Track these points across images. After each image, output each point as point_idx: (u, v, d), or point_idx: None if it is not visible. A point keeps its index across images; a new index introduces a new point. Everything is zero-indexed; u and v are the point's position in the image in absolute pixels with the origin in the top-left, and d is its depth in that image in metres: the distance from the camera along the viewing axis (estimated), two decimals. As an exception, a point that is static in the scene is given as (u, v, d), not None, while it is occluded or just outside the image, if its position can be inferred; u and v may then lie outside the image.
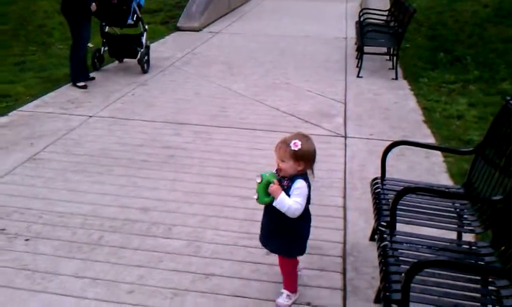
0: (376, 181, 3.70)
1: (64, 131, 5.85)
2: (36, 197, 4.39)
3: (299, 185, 2.91)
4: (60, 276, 3.39)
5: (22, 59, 9.25)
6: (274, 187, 2.92)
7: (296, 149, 2.89)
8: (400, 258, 2.82)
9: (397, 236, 3.03)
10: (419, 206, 3.42)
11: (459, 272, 2.64)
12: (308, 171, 3.00)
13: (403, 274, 2.48)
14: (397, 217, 3.12)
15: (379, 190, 3.57)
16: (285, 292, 3.18)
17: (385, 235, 3.00)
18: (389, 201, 3.41)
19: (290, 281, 3.21)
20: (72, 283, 3.33)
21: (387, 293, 2.52)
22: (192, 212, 4.23)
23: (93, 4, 7.21)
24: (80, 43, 7.42)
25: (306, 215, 3.04)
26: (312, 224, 3.97)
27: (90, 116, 6.36)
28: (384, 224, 3.17)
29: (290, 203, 2.89)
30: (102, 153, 5.30)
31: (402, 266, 2.74)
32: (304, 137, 2.98)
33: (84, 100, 6.96)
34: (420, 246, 2.96)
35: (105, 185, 4.63)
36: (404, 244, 2.96)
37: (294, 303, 3.19)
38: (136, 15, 8.15)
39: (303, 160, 2.92)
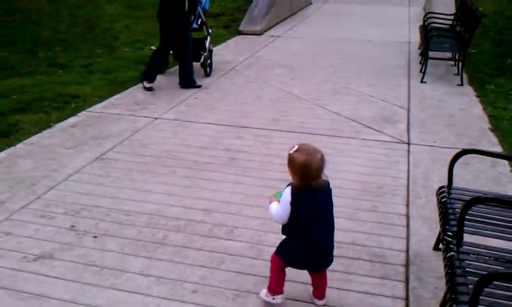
0: (442, 189, 3.63)
1: (130, 132, 6.03)
2: (104, 196, 4.54)
3: (284, 191, 2.98)
4: (127, 273, 3.50)
5: (90, 62, 9.57)
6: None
7: (289, 152, 2.96)
8: (467, 269, 2.76)
9: (463, 246, 2.96)
10: (487, 216, 3.33)
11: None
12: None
13: (472, 286, 2.43)
14: (464, 228, 3.05)
15: (446, 199, 3.50)
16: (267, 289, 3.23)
17: (452, 245, 2.95)
18: (455, 210, 3.35)
19: (270, 280, 3.21)
20: (137, 280, 3.44)
21: (454, 305, 2.48)
22: (253, 214, 4.27)
23: (192, 16, 7.55)
24: (165, 48, 7.74)
25: (293, 227, 3.03)
26: (374, 232, 4.00)
27: (155, 118, 6.52)
28: (451, 234, 3.11)
29: (271, 206, 3.08)
30: (167, 154, 5.43)
31: (469, 277, 2.68)
32: (305, 148, 2.96)
33: (149, 102, 7.15)
34: (487, 258, 2.89)
35: (170, 186, 4.74)
36: (471, 255, 2.89)
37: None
38: (200, 19, 8.30)
39: (291, 168, 2.95)
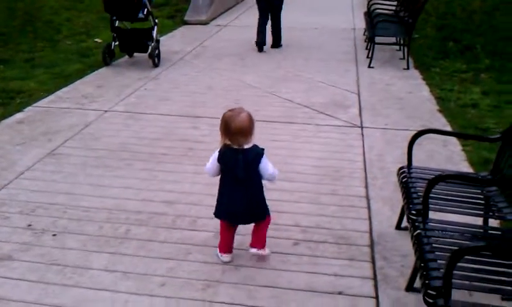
0: (402, 170, 3.69)
1: (81, 126, 5.85)
2: (59, 192, 4.40)
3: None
4: (91, 270, 3.41)
5: (32, 56, 9.22)
6: None
7: None
8: (435, 245, 2.82)
9: (429, 223, 3.02)
10: (447, 193, 3.41)
11: (498, 257, 2.64)
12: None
13: (441, 262, 2.49)
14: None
15: (407, 178, 3.57)
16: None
17: (417, 223, 3.00)
18: (417, 189, 3.42)
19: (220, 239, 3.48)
20: (103, 277, 3.35)
21: (426, 281, 2.52)
22: (215, 203, 4.21)
23: None
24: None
25: (219, 186, 3.35)
26: (337, 215, 4.04)
27: (105, 111, 6.35)
28: (415, 212, 3.17)
29: None
30: (121, 147, 5.31)
31: (437, 253, 2.74)
32: (233, 109, 3.18)
33: (97, 95, 6.96)
34: (453, 233, 2.96)
35: (127, 179, 4.63)
36: (437, 232, 2.96)
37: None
38: (146, 9, 8.12)
39: (219, 127, 3.14)
